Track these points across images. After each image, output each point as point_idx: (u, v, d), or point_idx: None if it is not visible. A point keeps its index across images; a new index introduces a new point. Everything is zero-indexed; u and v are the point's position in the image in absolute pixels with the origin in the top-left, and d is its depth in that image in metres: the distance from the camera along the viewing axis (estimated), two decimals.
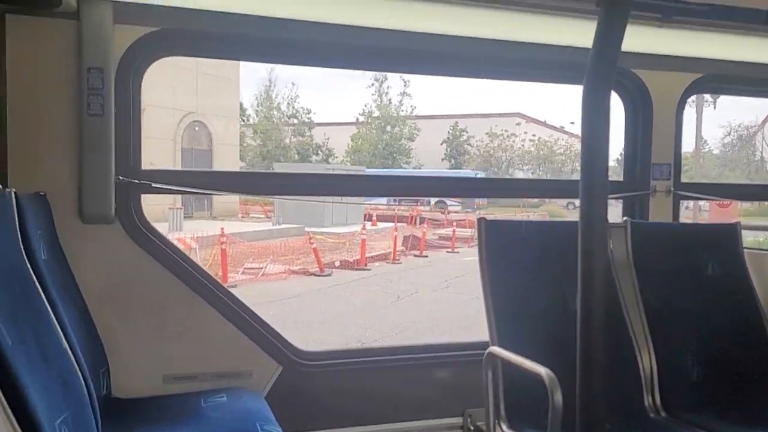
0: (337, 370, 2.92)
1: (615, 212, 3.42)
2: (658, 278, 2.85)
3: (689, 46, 3.14)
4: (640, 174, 3.30)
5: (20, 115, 2.39)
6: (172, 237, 15.65)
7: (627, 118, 3.33)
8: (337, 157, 42.21)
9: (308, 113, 42.99)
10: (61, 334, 1.88)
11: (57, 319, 1.91)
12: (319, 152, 42.33)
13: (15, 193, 1.97)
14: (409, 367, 3.02)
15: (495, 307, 2.57)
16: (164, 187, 2.66)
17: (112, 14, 2.43)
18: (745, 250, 2.98)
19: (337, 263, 17.19)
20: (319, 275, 15.79)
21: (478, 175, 33.60)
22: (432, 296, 13.72)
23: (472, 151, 42.44)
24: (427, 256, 20.33)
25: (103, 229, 2.50)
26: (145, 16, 2.51)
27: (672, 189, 3.29)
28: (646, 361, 2.70)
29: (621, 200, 3.36)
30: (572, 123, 33.56)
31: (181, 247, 15.15)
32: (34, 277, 1.90)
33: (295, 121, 42.46)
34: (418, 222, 25.34)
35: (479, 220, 2.73)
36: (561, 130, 41.67)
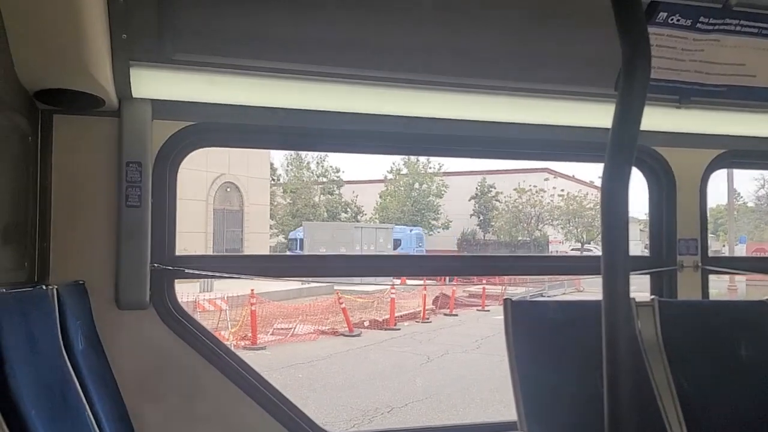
0: None
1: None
2: (689, 359, 2.80)
3: (710, 124, 3.18)
4: (666, 249, 3.29)
5: (63, 206, 2.53)
6: (203, 297, 15.83)
7: (651, 195, 3.35)
8: (365, 215, 42.54)
9: (337, 172, 43.74)
10: (96, 430, 1.93)
11: (92, 412, 1.97)
12: (348, 210, 42.75)
13: (57, 289, 2.07)
14: None
15: (523, 390, 2.54)
16: (197, 272, 2.75)
17: (150, 111, 2.58)
18: None
19: (366, 323, 17.11)
20: (348, 335, 15.73)
21: (413, 231, 33.26)
22: (462, 358, 13.50)
23: (500, 207, 42.34)
24: (457, 315, 20.11)
25: (138, 315, 2.58)
26: (182, 112, 2.66)
27: (700, 264, 3.27)
28: None
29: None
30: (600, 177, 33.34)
31: (211, 308, 15.31)
32: (72, 373, 1.97)
33: (324, 179, 43.16)
34: (447, 279, 25.14)
35: (505, 300, 2.74)
36: (590, 184, 41.45)
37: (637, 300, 2.90)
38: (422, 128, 2.99)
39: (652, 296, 3.03)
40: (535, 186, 40.67)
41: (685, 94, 2.92)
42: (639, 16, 1.23)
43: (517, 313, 2.69)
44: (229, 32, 2.36)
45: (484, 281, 23.43)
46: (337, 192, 43.28)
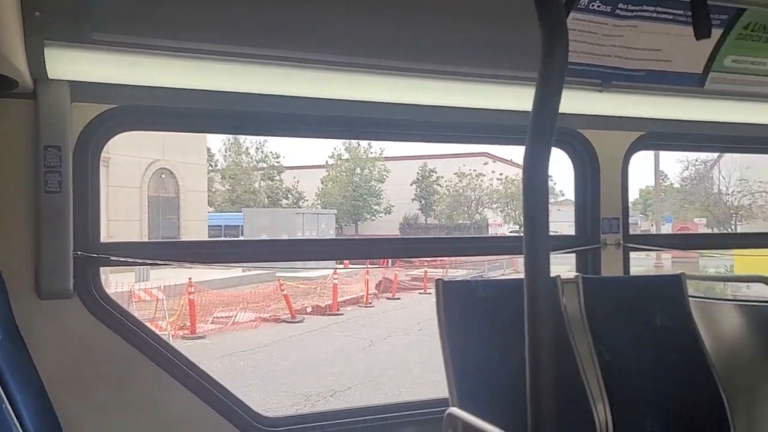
0: None
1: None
2: (611, 332, 2.93)
3: (631, 107, 3.30)
4: (590, 228, 3.42)
5: None
6: (138, 287, 15.40)
7: (576, 176, 3.47)
8: (307, 201, 42.26)
9: (277, 157, 43.23)
10: (17, 425, 1.86)
11: (12, 407, 1.90)
12: (289, 196, 42.36)
13: None
14: (373, 428, 3.02)
15: (454, 368, 2.61)
16: (123, 260, 2.68)
17: (69, 93, 2.47)
18: (690, 299, 3.09)
19: (309, 309, 17.08)
20: (291, 322, 15.66)
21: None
22: (405, 340, 13.68)
23: (441, 191, 42.88)
24: (399, 299, 20.32)
25: (61, 304, 2.49)
26: (103, 95, 2.56)
27: (621, 242, 3.41)
28: (601, 414, 2.75)
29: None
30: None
31: (147, 298, 14.92)
32: None
33: (264, 165, 42.58)
34: (390, 263, 25.33)
35: (437, 281, 2.79)
36: None
37: (563, 277, 3.01)
38: (361, 112, 2.99)
39: (577, 273, 3.15)
40: (474, 170, 41.37)
41: (606, 78, 3.03)
42: (557, 1, 1.27)
43: (448, 293, 2.75)
44: (152, 12, 2.28)
45: (426, 264, 23.74)
46: (277, 178, 42.78)
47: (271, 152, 42.99)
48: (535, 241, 1.41)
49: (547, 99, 1.47)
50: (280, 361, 12.03)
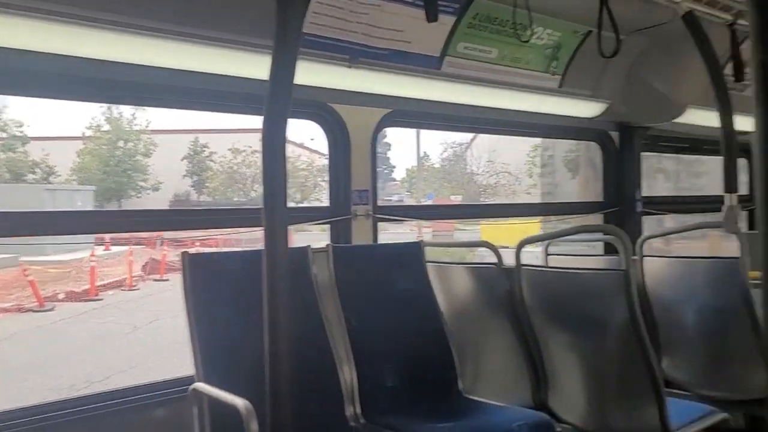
0: (38, 426, 2.59)
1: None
2: (358, 297, 3.10)
3: (379, 85, 3.48)
4: (342, 200, 3.55)
5: None
6: None
7: (329, 149, 3.57)
8: (60, 176, 37.75)
9: (20, 126, 37.80)
10: None
11: None
12: (37, 170, 37.40)
13: None
14: (121, 412, 2.82)
15: (200, 342, 2.56)
16: None
17: None
18: (428, 263, 3.40)
19: (62, 295, 15.43)
20: (39, 311, 14.00)
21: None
22: (173, 323, 13.05)
23: (215, 168, 41.47)
24: (168, 280, 19.29)
25: None
26: None
27: (371, 213, 3.61)
28: (347, 375, 2.91)
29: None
30: (312, 139, 34.99)
31: None
32: None
33: (4, 135, 36.98)
34: (158, 243, 23.92)
35: (183, 253, 2.69)
36: (302, 146, 43.08)
37: (313, 247, 3.10)
38: (111, 74, 2.70)
39: (328, 243, 3.27)
40: (250, 147, 40.68)
41: (354, 54, 3.15)
42: None
43: (195, 266, 2.67)
44: None
45: (197, 244, 22.84)
46: (21, 149, 37.43)
47: (11, 120, 37.42)
48: (273, 213, 1.41)
49: (283, 67, 1.46)
50: (24, 354, 10.71)
